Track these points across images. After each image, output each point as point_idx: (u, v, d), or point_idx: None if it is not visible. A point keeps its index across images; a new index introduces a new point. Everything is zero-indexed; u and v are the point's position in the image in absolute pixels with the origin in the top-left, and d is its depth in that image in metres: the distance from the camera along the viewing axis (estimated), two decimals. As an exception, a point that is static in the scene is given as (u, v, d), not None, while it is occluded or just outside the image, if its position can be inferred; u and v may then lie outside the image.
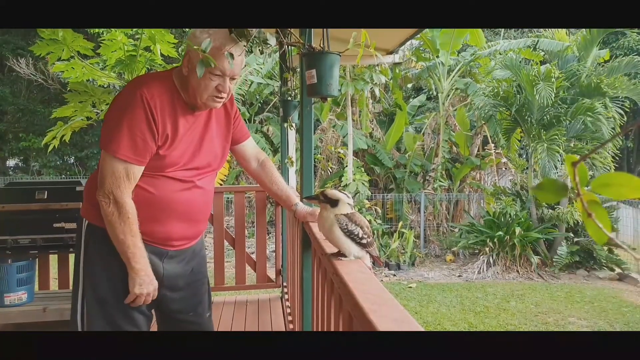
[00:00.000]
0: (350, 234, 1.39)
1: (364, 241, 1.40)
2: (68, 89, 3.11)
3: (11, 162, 15.81)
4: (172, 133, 1.55)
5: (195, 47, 1.46)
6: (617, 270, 8.30)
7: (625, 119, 8.62)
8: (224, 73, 1.53)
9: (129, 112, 1.48)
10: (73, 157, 14.88)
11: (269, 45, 1.57)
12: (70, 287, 3.83)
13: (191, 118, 1.62)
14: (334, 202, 1.44)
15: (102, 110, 3.12)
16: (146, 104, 1.49)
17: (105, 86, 3.44)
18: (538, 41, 9.43)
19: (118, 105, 1.53)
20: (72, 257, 3.66)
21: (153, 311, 1.78)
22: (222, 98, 1.57)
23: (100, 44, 3.12)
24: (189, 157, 1.61)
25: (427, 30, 9.23)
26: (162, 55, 3.43)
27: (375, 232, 8.84)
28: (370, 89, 8.43)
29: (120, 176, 1.49)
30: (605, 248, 8.38)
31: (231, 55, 1.49)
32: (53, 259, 3.70)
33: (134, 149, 1.49)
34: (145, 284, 1.57)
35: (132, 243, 1.52)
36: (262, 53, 1.60)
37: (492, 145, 10.09)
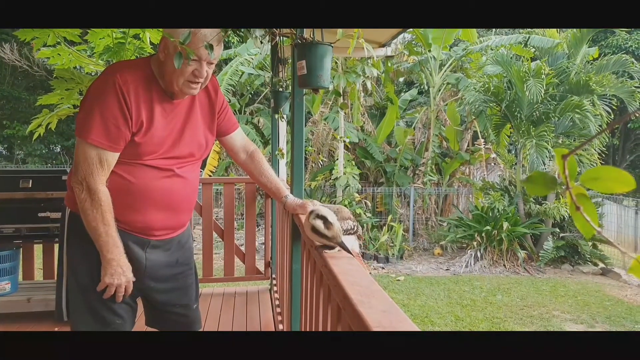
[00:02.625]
0: (316, 231, 1.36)
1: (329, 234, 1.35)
2: (54, 75, 3.05)
3: (-5, 150, 15.61)
4: (148, 120, 1.53)
5: (172, 39, 1.44)
6: (601, 265, 8.44)
7: (612, 116, 8.71)
8: (201, 58, 1.50)
9: (102, 99, 1.47)
10: (59, 146, 14.70)
11: (255, 37, 1.55)
12: (55, 278, 3.80)
13: (169, 106, 1.60)
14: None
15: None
16: (119, 90, 1.47)
17: (92, 74, 3.39)
18: (529, 38, 9.47)
19: (92, 91, 1.51)
20: (57, 247, 3.64)
21: (139, 302, 1.77)
22: (198, 83, 1.54)
23: (88, 31, 3.07)
24: (168, 146, 1.59)
25: (419, 24, 9.19)
26: (151, 43, 3.39)
27: (364, 225, 8.87)
28: (362, 82, 8.42)
29: (93, 162, 1.48)
30: (590, 243, 8.51)
31: (210, 46, 1.46)
32: (38, 249, 3.67)
33: (106, 134, 1.47)
34: (116, 274, 1.54)
35: (105, 231, 1.50)
36: (262, 43, 1.59)
37: (482, 140, 10.14)
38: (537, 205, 8.56)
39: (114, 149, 1.49)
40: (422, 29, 9.72)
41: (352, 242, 1.40)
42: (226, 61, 11.75)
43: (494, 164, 10.58)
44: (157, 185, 1.59)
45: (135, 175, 1.56)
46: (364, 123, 11.21)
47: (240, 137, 1.90)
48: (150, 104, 1.54)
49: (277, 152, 3.60)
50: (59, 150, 14.83)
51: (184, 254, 1.82)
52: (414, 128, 11.08)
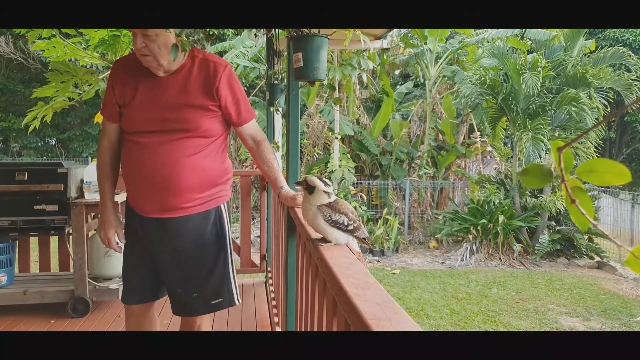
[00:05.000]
0: (335, 224, 1.38)
1: (351, 227, 1.39)
2: (49, 68, 3.03)
3: (-10, 143, 15.51)
4: (131, 95, 1.72)
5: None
6: (597, 258, 8.47)
7: (609, 109, 8.72)
8: (134, 32, 1.64)
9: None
10: (54, 139, 14.62)
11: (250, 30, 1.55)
12: (52, 270, 3.80)
13: (156, 82, 1.71)
14: (311, 189, 1.43)
15: (84, 91, 3.06)
16: (113, 71, 1.81)
17: (88, 66, 3.36)
18: (525, 30, 9.45)
19: None
20: (53, 240, 3.63)
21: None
22: (146, 56, 1.64)
23: (83, 23, 3.04)
24: (152, 119, 1.69)
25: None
26: (146, 35, 3.36)
27: (360, 218, 8.86)
28: (358, 74, 8.39)
29: (102, 127, 1.85)
30: (586, 237, 8.55)
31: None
32: (34, 242, 3.66)
33: (104, 106, 1.81)
34: (104, 227, 1.84)
35: (101, 184, 1.84)
36: (257, 36, 1.60)
37: (478, 133, 10.15)
38: (533, 199, 8.59)
39: (109, 118, 1.80)
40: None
41: (346, 238, 1.40)
42: (221, 54, 11.69)
43: (490, 157, 10.59)
44: (140, 162, 1.72)
45: (125, 150, 1.78)
46: (360, 116, 11.19)
47: (253, 128, 1.87)
48: (136, 81, 1.72)
49: (272, 145, 3.60)
50: (54, 143, 14.75)
51: (195, 242, 1.79)
52: (410, 121, 11.07)
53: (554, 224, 8.56)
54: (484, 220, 8.29)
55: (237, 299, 1.90)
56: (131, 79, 1.72)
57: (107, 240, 1.84)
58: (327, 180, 1.45)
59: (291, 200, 1.80)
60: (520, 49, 9.53)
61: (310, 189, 1.43)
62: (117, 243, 1.87)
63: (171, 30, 1.58)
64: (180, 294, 1.83)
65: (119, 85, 1.74)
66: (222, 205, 1.84)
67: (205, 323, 1.89)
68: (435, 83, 10.41)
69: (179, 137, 1.68)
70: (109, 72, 1.86)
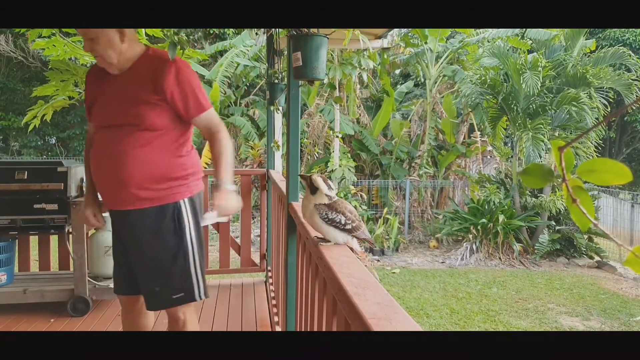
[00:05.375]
0: (332, 222, 1.38)
1: (349, 227, 1.39)
2: (49, 67, 3.03)
3: (-10, 142, 15.50)
4: (95, 94, 1.86)
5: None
6: (596, 258, 8.48)
7: (609, 109, 8.72)
8: (83, 34, 1.77)
9: None
10: (54, 138, 14.62)
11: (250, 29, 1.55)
12: (51, 269, 3.79)
13: (112, 81, 1.82)
14: (314, 190, 1.43)
15: (84, 90, 3.06)
16: (86, 75, 1.97)
17: (87, 65, 3.36)
18: (526, 30, 9.45)
19: None
20: (53, 239, 3.63)
21: None
22: (98, 57, 1.76)
23: (83, 22, 3.04)
24: (103, 114, 1.82)
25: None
26: (146, 35, 3.36)
27: (361, 218, 8.86)
28: (358, 74, 8.39)
29: None
30: (586, 236, 8.55)
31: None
32: (33, 241, 3.65)
33: (85, 107, 1.94)
34: (83, 206, 2.03)
35: (86, 172, 1.99)
36: (257, 35, 1.61)
37: (478, 133, 10.15)
38: (533, 198, 8.59)
39: (88, 118, 1.93)
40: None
41: (344, 237, 1.40)
42: (222, 53, 11.68)
43: (490, 156, 10.59)
44: (96, 155, 1.83)
45: (91, 147, 1.89)
46: (360, 115, 11.19)
47: (205, 120, 1.86)
48: (100, 81, 1.85)
49: (272, 144, 3.59)
50: (54, 141, 14.75)
51: (138, 237, 1.83)
52: (410, 120, 11.07)
53: (554, 223, 8.56)
54: (484, 220, 8.29)
55: (200, 295, 1.88)
56: (97, 80, 1.87)
57: (85, 219, 2.01)
58: (331, 184, 1.44)
59: (217, 198, 1.76)
60: (520, 49, 9.53)
61: (313, 188, 1.43)
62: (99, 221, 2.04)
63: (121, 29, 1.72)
64: (144, 287, 1.88)
65: (89, 88, 1.92)
66: (182, 201, 1.83)
67: (190, 318, 1.90)
68: (436, 82, 10.41)
69: (126, 131, 1.76)
70: None
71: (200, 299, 1.89)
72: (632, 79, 8.31)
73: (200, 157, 11.62)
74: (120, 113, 1.77)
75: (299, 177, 1.79)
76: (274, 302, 3.25)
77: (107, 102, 1.82)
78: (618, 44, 12.28)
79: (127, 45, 1.76)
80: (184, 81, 1.80)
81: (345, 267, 1.11)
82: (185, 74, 1.79)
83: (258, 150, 10.58)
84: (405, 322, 0.80)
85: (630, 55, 8.74)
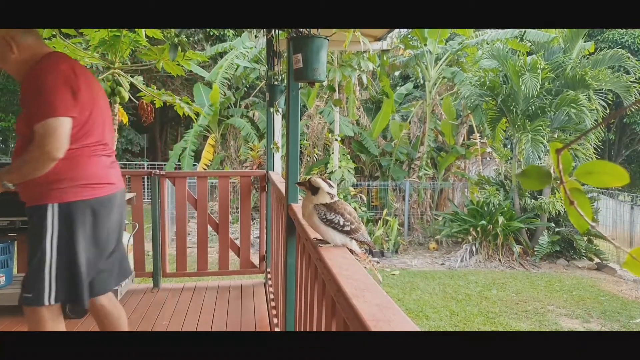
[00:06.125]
0: (330, 223, 1.37)
1: (347, 228, 1.39)
2: (49, 68, 3.02)
3: (-10, 143, 15.50)
4: None
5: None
6: (596, 260, 8.48)
7: (608, 111, 8.73)
8: None
9: None
10: (55, 139, 14.58)
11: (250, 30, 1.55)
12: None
13: None
14: (315, 190, 1.43)
15: None
16: None
17: (88, 67, 3.36)
18: (525, 32, 9.47)
19: None
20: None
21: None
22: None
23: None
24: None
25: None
26: (147, 36, 3.37)
27: (361, 220, 8.85)
28: (358, 75, 8.40)
29: None
30: (585, 238, 8.55)
31: None
32: (33, 242, 3.64)
33: None
34: None
35: None
36: (256, 37, 1.61)
37: (478, 134, 10.15)
38: (533, 200, 8.59)
39: None
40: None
41: (342, 239, 1.40)
42: (222, 54, 11.69)
43: (490, 158, 10.60)
44: None
45: None
46: (360, 117, 11.21)
47: (39, 129, 1.76)
48: None
49: (272, 146, 3.59)
50: (53, 143, 14.72)
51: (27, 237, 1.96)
52: (410, 122, 11.08)
53: (554, 225, 8.56)
54: (483, 222, 8.29)
55: (47, 300, 1.87)
56: None
57: None
58: (331, 182, 1.45)
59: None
60: (519, 51, 9.54)
61: (314, 189, 1.43)
62: None
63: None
64: None
65: None
66: (47, 205, 1.86)
67: (30, 319, 1.91)
68: (435, 84, 10.42)
69: (23, 137, 1.87)
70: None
71: (49, 304, 1.87)
72: (630, 81, 8.34)
73: (200, 158, 11.61)
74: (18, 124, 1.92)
75: (296, 185, 1.80)
76: (273, 303, 3.25)
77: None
78: (617, 47, 12.30)
79: (18, 55, 1.84)
80: (30, 89, 1.84)
81: (345, 268, 1.11)
82: (35, 84, 1.82)
83: (257, 152, 10.59)
84: (404, 324, 0.80)
85: (628, 58, 8.77)
